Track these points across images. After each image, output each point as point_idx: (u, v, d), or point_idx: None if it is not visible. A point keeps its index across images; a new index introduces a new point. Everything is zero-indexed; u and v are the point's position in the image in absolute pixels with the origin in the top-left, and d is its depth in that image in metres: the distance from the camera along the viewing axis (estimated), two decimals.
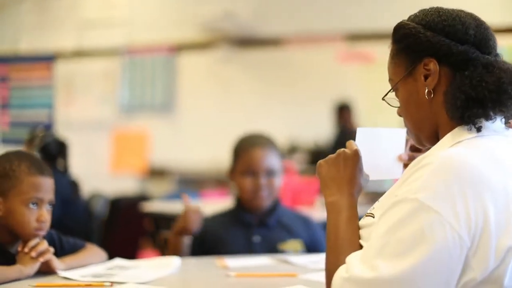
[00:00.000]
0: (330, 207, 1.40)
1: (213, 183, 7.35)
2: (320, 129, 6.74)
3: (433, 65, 1.33)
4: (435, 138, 1.37)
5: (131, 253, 4.61)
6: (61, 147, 4.35)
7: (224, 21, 7.28)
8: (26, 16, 8.51)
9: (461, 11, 1.38)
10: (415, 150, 1.65)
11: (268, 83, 7.51)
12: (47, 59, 8.33)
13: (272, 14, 7.46)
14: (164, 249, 2.60)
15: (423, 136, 1.40)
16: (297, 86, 7.38)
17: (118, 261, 2.18)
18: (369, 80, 7.17)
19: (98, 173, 7.62)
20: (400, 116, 1.46)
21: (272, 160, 2.42)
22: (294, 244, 2.42)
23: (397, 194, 1.25)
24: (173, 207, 3.89)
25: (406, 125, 1.44)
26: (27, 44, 8.49)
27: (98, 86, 8.13)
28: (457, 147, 1.27)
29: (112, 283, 1.86)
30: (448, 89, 1.32)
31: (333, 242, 1.34)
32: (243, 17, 7.38)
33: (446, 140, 1.31)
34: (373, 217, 1.33)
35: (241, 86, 7.59)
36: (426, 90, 1.34)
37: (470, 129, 1.29)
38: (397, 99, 1.45)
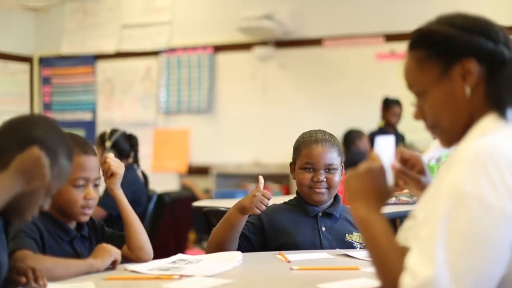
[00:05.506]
0: (363, 222, 1.42)
1: (253, 181, 7.39)
2: (361, 127, 6.73)
3: (473, 65, 1.37)
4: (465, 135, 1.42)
5: (178, 248, 4.64)
6: (131, 140, 4.52)
7: (264, 22, 7.31)
8: (69, 18, 8.62)
9: (477, 15, 1.44)
10: (404, 163, 1.74)
11: (307, 83, 7.53)
12: (89, 61, 8.45)
13: (311, 15, 7.48)
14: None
15: (457, 134, 1.42)
16: (336, 85, 7.38)
17: (180, 256, 2.21)
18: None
19: None
20: (418, 119, 1.49)
21: (331, 156, 2.43)
22: (359, 236, 2.42)
23: (439, 189, 1.28)
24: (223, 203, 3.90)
25: (435, 127, 1.46)
26: (69, 46, 8.60)
27: (139, 86, 8.22)
28: (489, 136, 1.31)
29: (181, 275, 1.89)
30: (488, 86, 1.38)
31: (378, 253, 1.36)
32: (283, 18, 7.41)
33: (474, 133, 1.36)
34: (416, 219, 1.36)
35: (281, 86, 7.61)
36: (468, 89, 1.38)
37: (500, 120, 1.35)
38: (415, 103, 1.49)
